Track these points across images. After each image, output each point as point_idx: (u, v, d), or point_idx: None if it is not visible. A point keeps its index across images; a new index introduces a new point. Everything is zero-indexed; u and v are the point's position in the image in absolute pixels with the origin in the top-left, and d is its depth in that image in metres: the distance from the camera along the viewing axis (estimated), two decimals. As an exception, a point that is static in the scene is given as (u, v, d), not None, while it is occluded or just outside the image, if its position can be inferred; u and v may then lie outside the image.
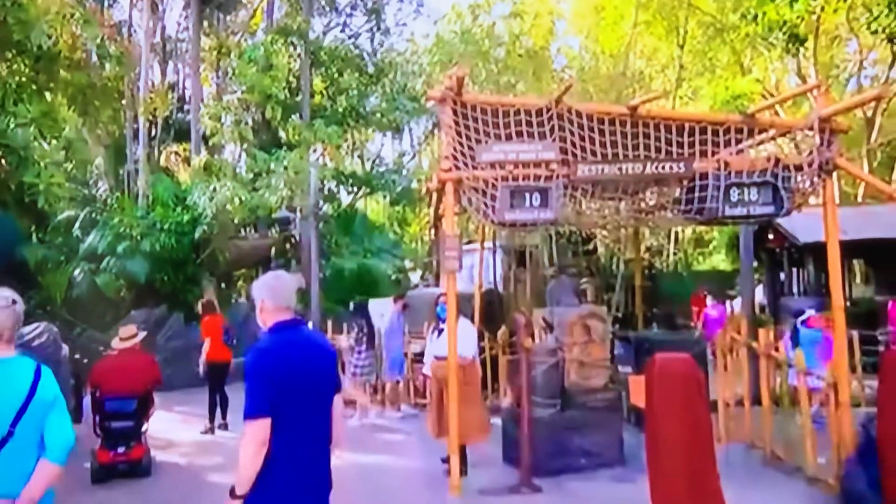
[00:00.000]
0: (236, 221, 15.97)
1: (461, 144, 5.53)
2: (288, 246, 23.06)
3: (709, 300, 12.76)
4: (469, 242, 15.73)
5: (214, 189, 12.75)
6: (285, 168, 11.82)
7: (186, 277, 14.51)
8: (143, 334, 6.92)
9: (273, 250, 21.88)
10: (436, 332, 6.32)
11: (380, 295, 16.11)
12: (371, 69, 22.39)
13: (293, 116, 18.51)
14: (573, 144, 5.61)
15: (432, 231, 18.66)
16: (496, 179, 5.43)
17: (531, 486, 5.66)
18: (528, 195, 5.49)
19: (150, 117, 16.67)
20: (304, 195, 12.19)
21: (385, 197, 24.38)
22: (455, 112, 5.54)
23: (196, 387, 9.42)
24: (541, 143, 5.52)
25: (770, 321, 12.65)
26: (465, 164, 5.52)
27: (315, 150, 13.36)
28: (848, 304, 13.48)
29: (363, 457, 7.19)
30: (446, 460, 5.85)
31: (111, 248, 13.29)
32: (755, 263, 18.91)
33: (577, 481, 6.11)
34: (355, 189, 23.39)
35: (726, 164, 5.49)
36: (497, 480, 6.05)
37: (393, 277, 23.69)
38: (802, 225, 14.86)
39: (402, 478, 6.48)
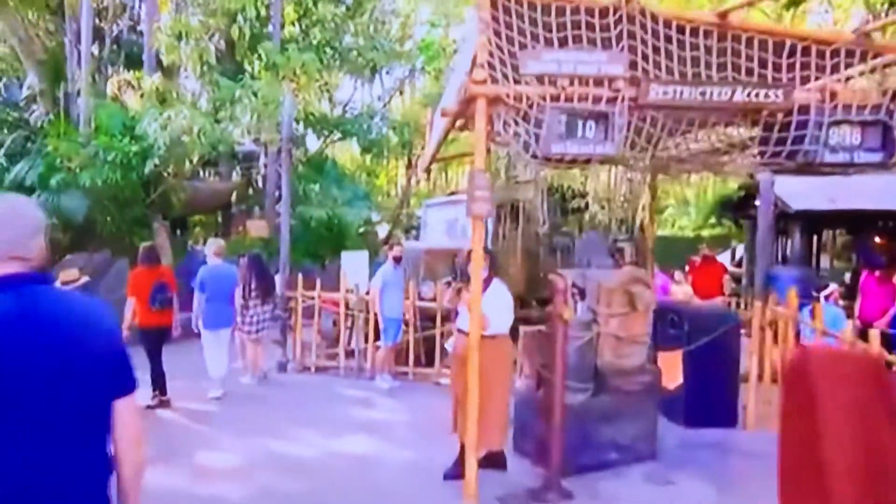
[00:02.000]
0: (194, 160, 14.21)
1: (501, 50, 4.15)
2: (251, 191, 21.37)
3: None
4: (452, 193, 14.42)
5: (169, 117, 11.01)
6: (254, 94, 10.17)
7: (134, 219, 12.80)
8: (85, 278, 6.50)
9: (234, 195, 20.17)
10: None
11: (347, 248, 14.79)
12: (349, 0, 20.51)
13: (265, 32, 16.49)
14: (644, 58, 4.29)
15: (421, 174, 17.07)
16: (544, 98, 4.11)
17: (560, 490, 4.54)
18: (583, 122, 4.18)
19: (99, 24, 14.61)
20: (274, 128, 10.60)
21: (360, 141, 22.72)
22: (495, 4, 4.14)
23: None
24: (605, 53, 4.18)
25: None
26: (505, 77, 4.16)
27: (287, 80, 11.68)
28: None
29: (347, 444, 5.95)
30: (454, 472, 4.69)
31: (43, 181, 11.48)
32: (731, 230, 18.09)
33: (608, 481, 5.02)
34: (326, 133, 21.65)
35: (832, 94, 4.28)
36: (512, 480, 4.92)
37: (361, 230, 22.35)
38: (794, 191, 14.04)
39: (398, 474, 5.27)
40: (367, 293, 8.72)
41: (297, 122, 21.35)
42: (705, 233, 23.78)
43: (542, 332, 4.97)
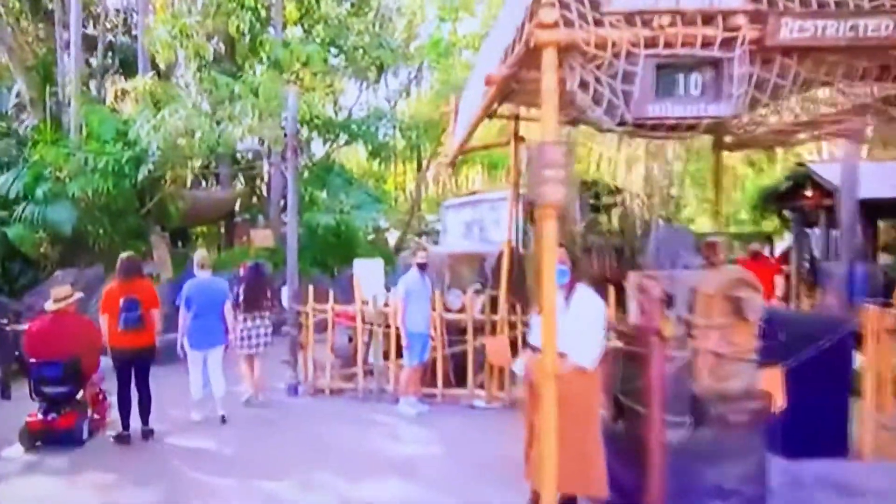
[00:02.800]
0: (193, 165, 13.24)
1: (576, -18, 3.13)
2: (255, 199, 20.38)
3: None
4: (472, 193, 13.38)
5: (163, 118, 10.04)
6: (255, 93, 9.17)
7: (129, 230, 11.83)
8: (79, 295, 6.30)
9: (238, 204, 19.19)
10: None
11: (358, 256, 13.87)
12: (354, -3, 19.64)
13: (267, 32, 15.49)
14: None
15: (446, 168, 15.82)
16: (635, 44, 3.09)
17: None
18: (686, 75, 3.17)
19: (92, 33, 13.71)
20: (277, 126, 9.61)
21: (367, 145, 21.76)
22: (567, -82, 3.13)
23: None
24: (714, -19, 3.16)
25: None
26: (583, 18, 3.14)
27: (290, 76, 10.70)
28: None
29: (375, 490, 4.89)
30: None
31: (29, 192, 10.51)
32: (776, 223, 16.94)
33: (711, 536, 3.97)
34: (331, 137, 20.66)
35: None
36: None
37: (370, 237, 21.42)
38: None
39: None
40: (386, 305, 7.71)
41: (302, 125, 20.47)
42: (733, 229, 22.51)
43: (622, 351, 3.93)
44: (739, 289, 3.89)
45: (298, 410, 7.19)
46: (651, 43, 3.14)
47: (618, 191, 11.20)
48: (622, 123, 3.25)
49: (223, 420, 6.58)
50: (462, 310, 7.85)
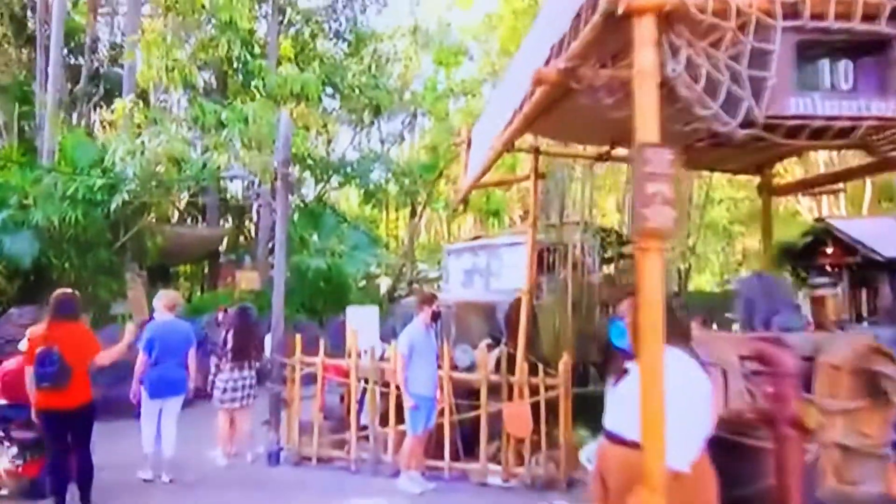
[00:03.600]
0: (177, 199, 12.28)
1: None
2: (242, 239, 19.37)
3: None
4: (476, 238, 12.40)
5: (143, 142, 9.10)
6: (243, 121, 8.30)
7: (99, 265, 10.72)
8: None
9: (225, 243, 18.17)
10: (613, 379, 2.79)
11: (349, 303, 12.89)
12: (349, 36, 19.15)
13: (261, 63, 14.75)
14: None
15: (457, 203, 14.65)
16: (769, 14, 2.22)
17: None
18: (838, 57, 2.29)
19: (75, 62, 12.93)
20: (267, 158, 8.71)
21: (360, 187, 20.97)
22: None
23: (110, 414, 6.63)
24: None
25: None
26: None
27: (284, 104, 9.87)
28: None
29: None
30: None
31: (-14, 219, 9.46)
32: (789, 279, 16.15)
33: None
34: (325, 178, 19.85)
35: None
36: None
37: (361, 284, 20.44)
38: (874, 234, 12.23)
39: None
40: (383, 358, 6.66)
41: (294, 163, 19.71)
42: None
43: (734, 443, 2.89)
44: (875, 361, 2.91)
45: (280, 482, 6.03)
46: (791, 13, 2.26)
47: (627, 241, 10.24)
48: (747, 125, 2.33)
49: (170, 481, 5.75)
50: (472, 368, 6.81)
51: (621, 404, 2.47)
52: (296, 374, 6.73)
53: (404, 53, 22.93)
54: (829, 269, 13.58)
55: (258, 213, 17.28)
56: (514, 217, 23.03)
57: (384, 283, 22.54)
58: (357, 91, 18.49)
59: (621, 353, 2.62)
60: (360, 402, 6.69)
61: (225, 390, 6.43)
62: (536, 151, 6.33)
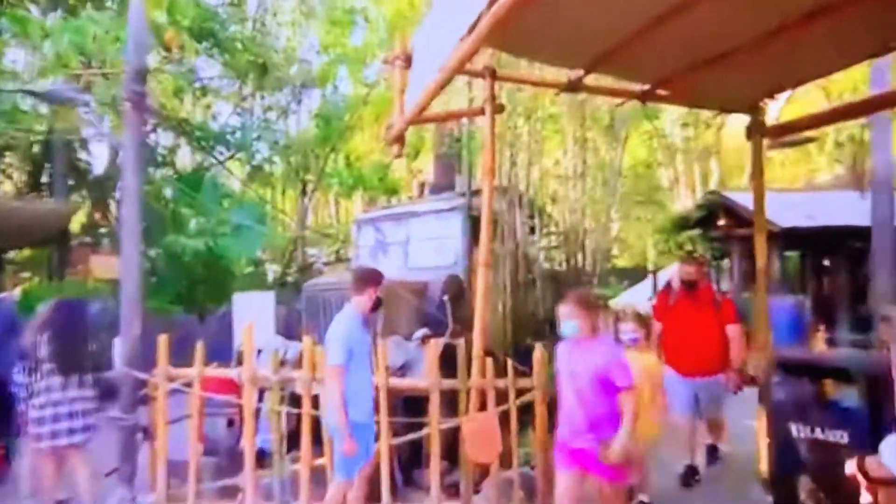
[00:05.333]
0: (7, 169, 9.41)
1: None
2: (102, 218, 16.25)
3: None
4: (392, 206, 10.54)
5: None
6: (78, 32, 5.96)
7: None
8: None
9: (78, 222, 15.04)
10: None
11: (231, 292, 10.75)
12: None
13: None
14: None
15: (393, 141, 12.31)
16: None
17: None
18: None
19: None
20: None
21: (244, 163, 18.51)
22: None
23: None
24: None
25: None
26: None
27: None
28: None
29: None
30: None
31: None
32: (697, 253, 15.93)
33: None
34: (207, 146, 17.12)
35: None
36: None
37: (247, 271, 18.16)
38: (777, 205, 12.04)
39: None
40: (283, 363, 4.83)
41: (166, 129, 16.89)
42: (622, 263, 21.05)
43: None
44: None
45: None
46: None
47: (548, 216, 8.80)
48: None
49: None
50: (404, 368, 5.17)
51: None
52: (160, 394, 4.70)
53: (291, 18, 20.41)
54: (720, 240, 13.63)
55: (123, 189, 14.44)
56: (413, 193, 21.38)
57: (271, 270, 20.19)
58: (241, 45, 16.08)
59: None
60: (256, 428, 4.79)
61: (44, 421, 4.31)
62: (493, 75, 4.64)
